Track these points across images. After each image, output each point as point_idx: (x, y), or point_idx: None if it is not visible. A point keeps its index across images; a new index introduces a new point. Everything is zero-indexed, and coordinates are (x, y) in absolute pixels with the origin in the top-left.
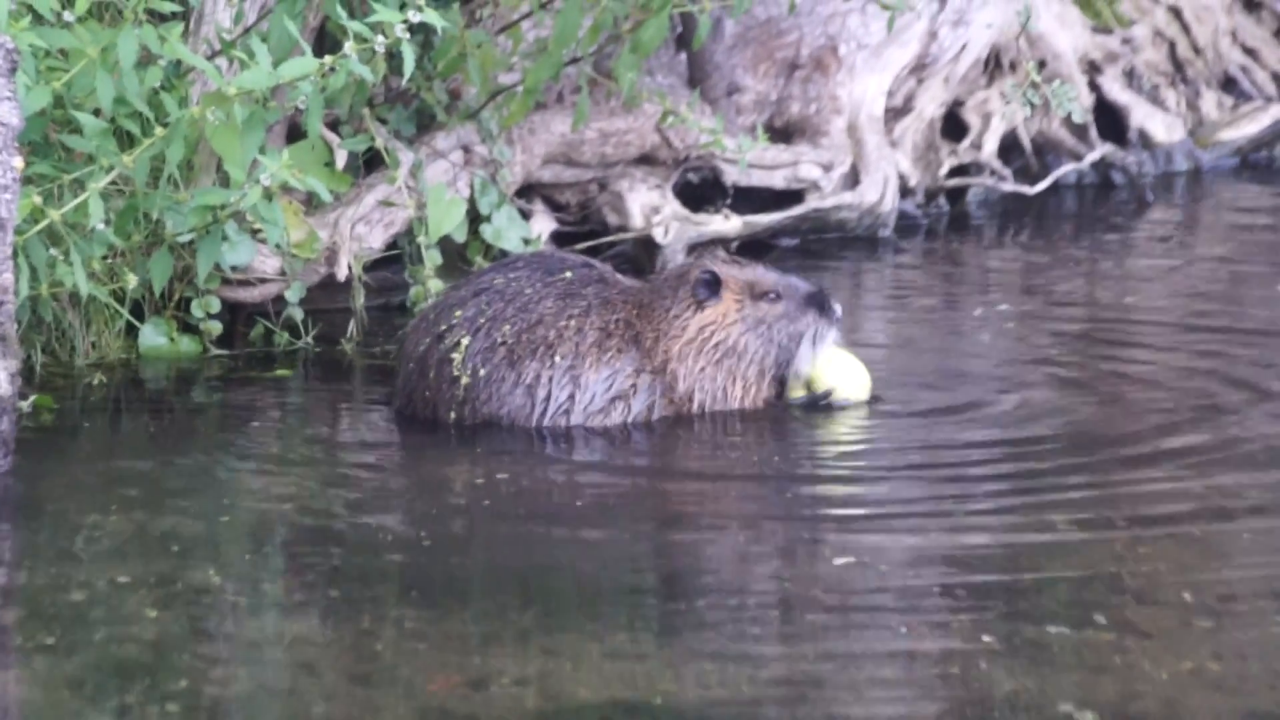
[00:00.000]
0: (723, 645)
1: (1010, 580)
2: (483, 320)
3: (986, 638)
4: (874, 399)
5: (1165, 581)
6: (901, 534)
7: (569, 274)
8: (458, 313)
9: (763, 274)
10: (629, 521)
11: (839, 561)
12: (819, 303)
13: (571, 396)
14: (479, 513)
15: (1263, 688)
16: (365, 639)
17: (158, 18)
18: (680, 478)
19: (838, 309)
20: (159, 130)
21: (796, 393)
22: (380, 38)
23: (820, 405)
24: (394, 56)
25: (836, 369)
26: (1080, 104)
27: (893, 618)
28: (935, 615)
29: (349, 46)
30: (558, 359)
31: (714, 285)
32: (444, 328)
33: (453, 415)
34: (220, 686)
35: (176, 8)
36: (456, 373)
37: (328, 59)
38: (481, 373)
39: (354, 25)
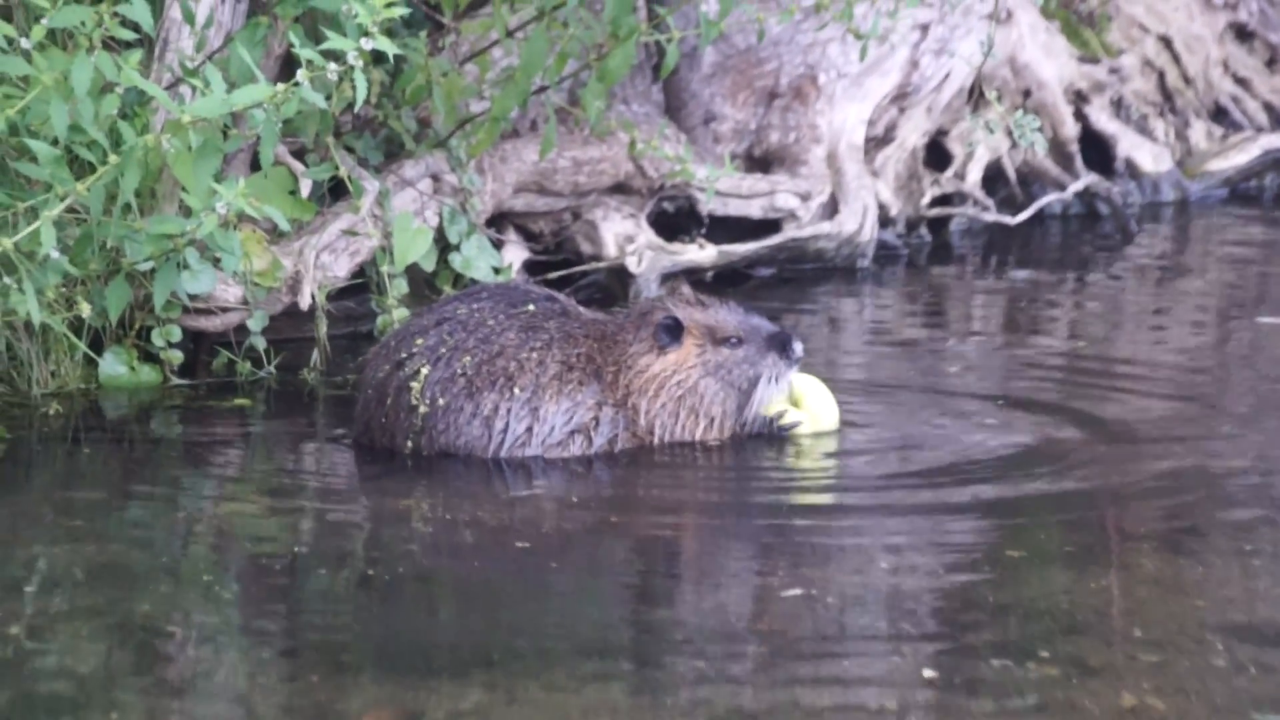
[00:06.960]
0: (664, 678)
1: (956, 613)
2: (443, 350)
3: (928, 671)
4: (841, 429)
5: (1113, 616)
6: (850, 567)
7: (532, 306)
8: (419, 341)
9: (725, 317)
10: (576, 555)
11: (787, 594)
12: (779, 344)
13: (529, 429)
14: (427, 546)
15: None
16: (301, 670)
17: (121, 45)
18: (635, 511)
19: (798, 349)
20: (113, 158)
21: (769, 411)
22: (333, 65)
23: (784, 433)
24: None
25: (806, 398)
26: (1044, 136)
27: (835, 648)
28: (879, 648)
29: (301, 74)
30: (517, 391)
31: (675, 330)
32: (404, 355)
33: (410, 444)
34: (150, 719)
35: (135, 35)
36: (415, 402)
37: (281, 87)
38: (440, 403)
39: (306, 52)
